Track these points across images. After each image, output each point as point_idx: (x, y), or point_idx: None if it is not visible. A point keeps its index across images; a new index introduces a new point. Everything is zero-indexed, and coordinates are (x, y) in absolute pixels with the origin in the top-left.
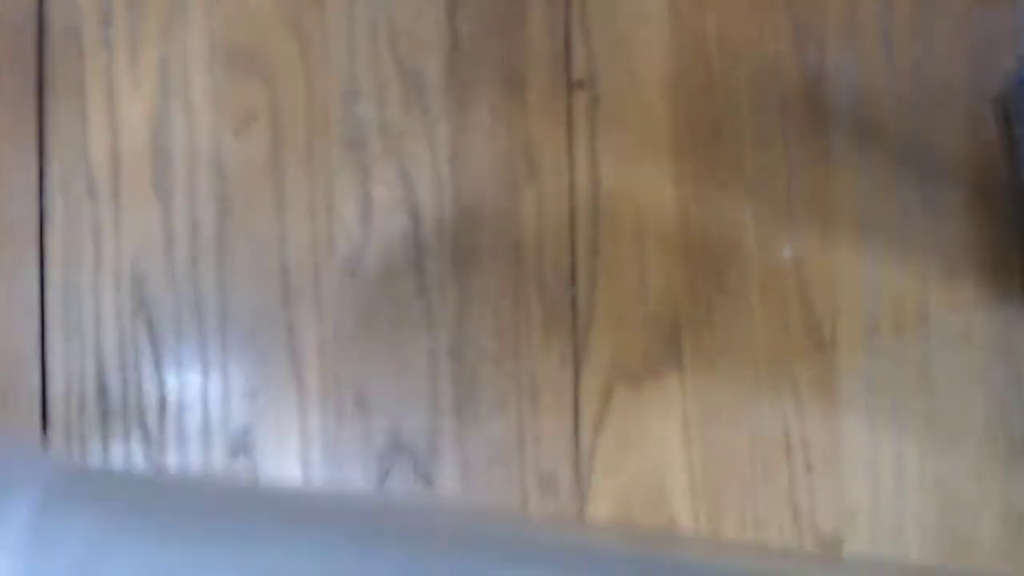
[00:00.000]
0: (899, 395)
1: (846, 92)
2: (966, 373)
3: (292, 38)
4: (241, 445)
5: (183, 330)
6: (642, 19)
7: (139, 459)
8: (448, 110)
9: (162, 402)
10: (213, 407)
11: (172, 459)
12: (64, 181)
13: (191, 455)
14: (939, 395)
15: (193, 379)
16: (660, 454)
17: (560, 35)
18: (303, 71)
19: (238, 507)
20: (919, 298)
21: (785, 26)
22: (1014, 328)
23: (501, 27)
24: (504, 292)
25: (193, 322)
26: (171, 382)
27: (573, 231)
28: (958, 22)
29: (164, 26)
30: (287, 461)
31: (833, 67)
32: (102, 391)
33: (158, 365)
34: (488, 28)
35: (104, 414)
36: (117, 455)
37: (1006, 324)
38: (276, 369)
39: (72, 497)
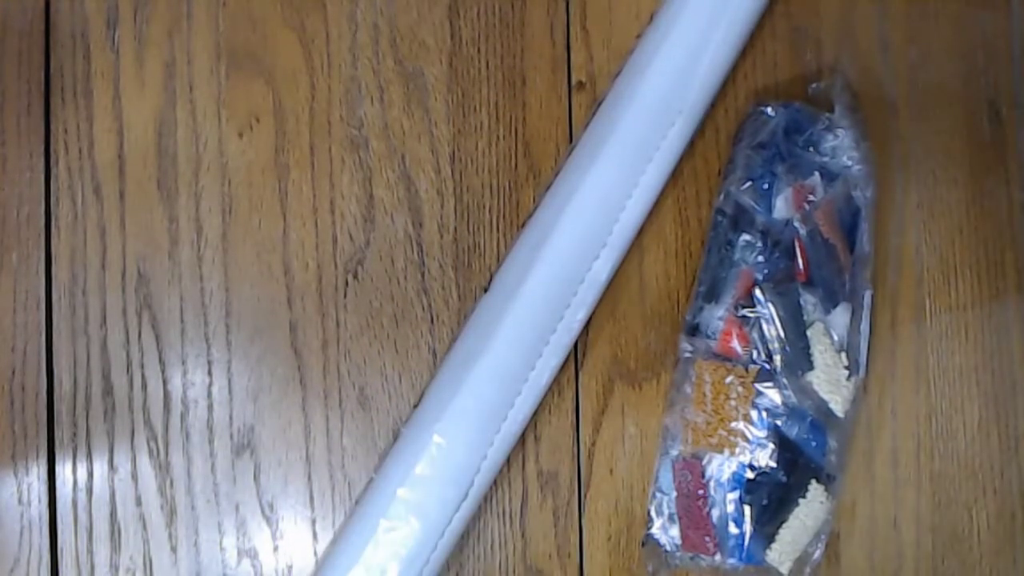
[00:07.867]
0: (895, 392)
1: (844, 94)
2: (961, 371)
3: (296, 40)
4: (245, 443)
5: (188, 329)
6: (642, 21)
7: (144, 457)
8: (449, 111)
9: (167, 400)
10: (217, 405)
11: (176, 456)
12: (70, 182)
13: (195, 452)
14: (934, 392)
15: (198, 378)
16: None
17: (560, 37)
18: (306, 73)
19: None
20: (915, 296)
21: (783, 29)
22: (1008, 326)
23: (502, 29)
24: None
25: (198, 321)
26: (176, 381)
27: None
28: (953, 25)
29: (169, 29)
30: (291, 459)
31: (831, 70)
32: (107, 389)
33: (163, 364)
34: (489, 30)
35: (109, 412)
36: (122, 453)
37: (1001, 322)
38: (279, 367)
39: None
